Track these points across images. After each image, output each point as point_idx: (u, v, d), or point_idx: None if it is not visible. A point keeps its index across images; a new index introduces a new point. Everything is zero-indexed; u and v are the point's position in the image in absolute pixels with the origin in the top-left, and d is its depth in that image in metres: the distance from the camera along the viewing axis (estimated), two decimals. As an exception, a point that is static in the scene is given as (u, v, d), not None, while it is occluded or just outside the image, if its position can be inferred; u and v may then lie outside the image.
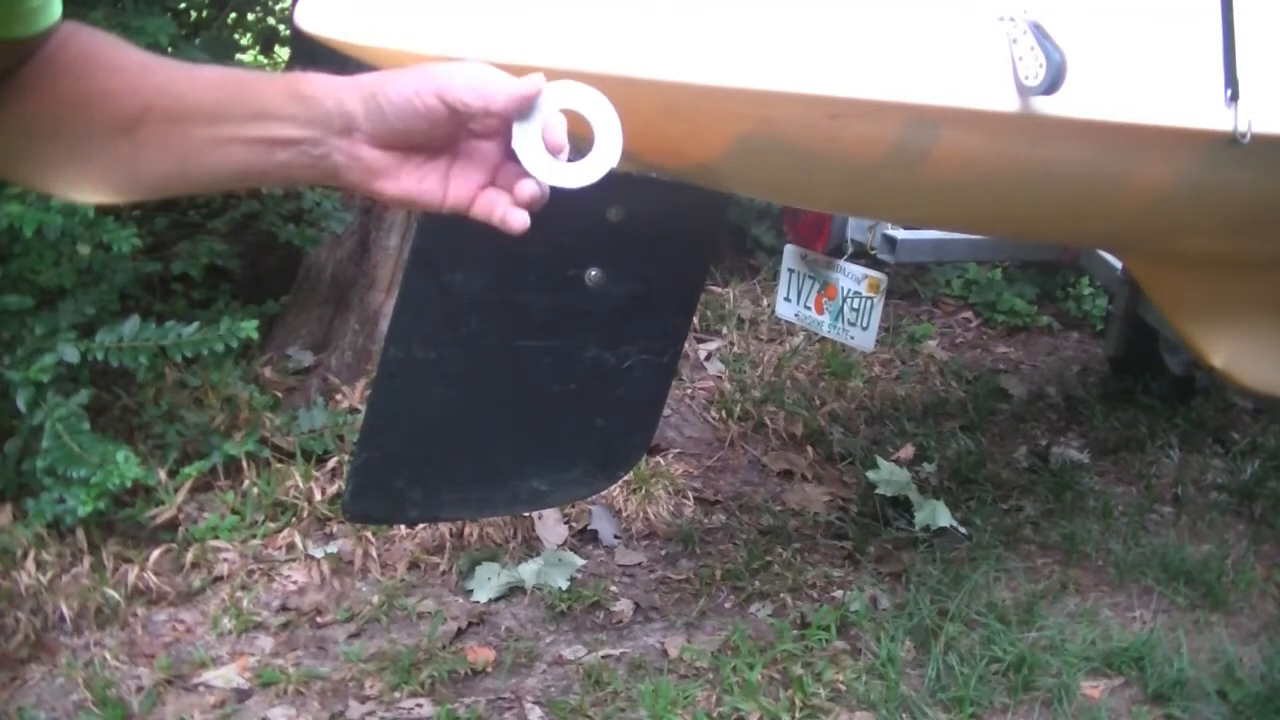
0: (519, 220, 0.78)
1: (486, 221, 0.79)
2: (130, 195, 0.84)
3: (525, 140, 0.77)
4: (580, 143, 0.79)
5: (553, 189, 0.78)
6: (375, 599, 2.54)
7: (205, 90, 0.79)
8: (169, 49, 2.75)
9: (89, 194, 0.87)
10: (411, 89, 0.75)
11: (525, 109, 0.76)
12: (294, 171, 0.78)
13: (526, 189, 0.77)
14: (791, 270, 2.75)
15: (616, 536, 2.85)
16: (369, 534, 2.69)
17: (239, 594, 2.51)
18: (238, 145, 0.77)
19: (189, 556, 2.57)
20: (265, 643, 2.41)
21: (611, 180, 0.79)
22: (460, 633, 2.46)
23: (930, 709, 2.22)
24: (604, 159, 0.78)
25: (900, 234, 2.90)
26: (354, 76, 0.77)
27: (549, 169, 0.77)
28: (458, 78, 0.75)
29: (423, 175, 0.78)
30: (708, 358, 3.77)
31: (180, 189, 0.85)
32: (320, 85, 0.77)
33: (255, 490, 2.75)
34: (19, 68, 0.79)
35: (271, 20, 4.24)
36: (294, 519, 2.74)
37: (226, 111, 0.77)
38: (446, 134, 0.77)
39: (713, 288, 4.15)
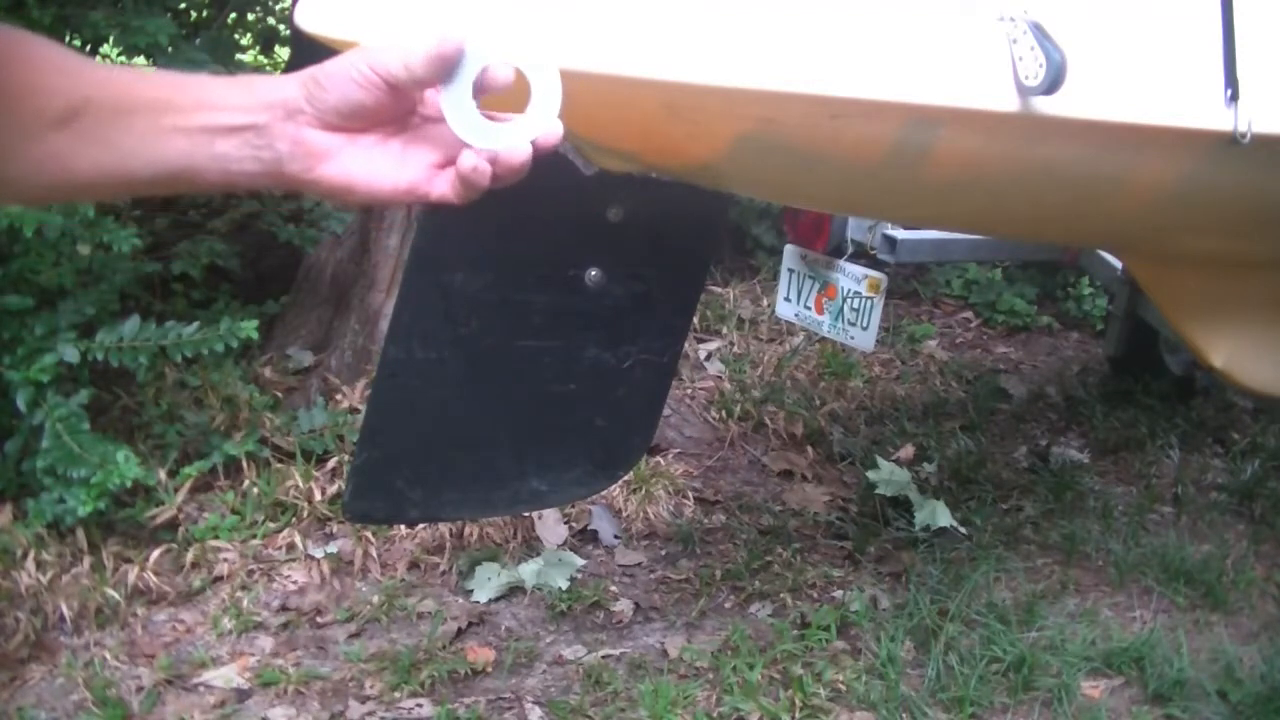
0: (474, 176, 0.75)
1: (451, 200, 0.77)
2: (61, 194, 0.82)
3: (451, 103, 0.74)
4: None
5: (564, 180, 0.76)
6: (375, 599, 2.54)
7: (149, 83, 0.78)
8: (169, 49, 2.75)
9: (17, 193, 0.85)
10: (348, 62, 0.75)
11: (449, 71, 0.73)
12: (233, 164, 0.77)
13: (465, 161, 0.75)
14: (791, 270, 2.75)
15: (616, 536, 2.85)
16: (369, 534, 2.69)
17: (239, 594, 2.51)
18: (179, 136, 0.76)
19: (189, 556, 2.57)
20: (265, 643, 2.41)
21: (607, 177, 0.78)
22: (460, 633, 2.46)
23: (930, 709, 2.22)
24: (540, 115, 0.74)
25: (900, 234, 2.91)
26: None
27: (480, 132, 0.74)
28: (389, 49, 0.75)
29: (370, 157, 0.77)
30: (708, 358, 3.77)
31: (116, 188, 0.83)
32: (264, 77, 0.77)
33: (255, 490, 2.75)
34: None
35: (271, 20, 4.24)
36: (294, 519, 2.74)
37: (170, 102, 0.77)
38: (390, 110, 0.77)
39: (713, 288, 4.15)
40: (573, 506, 2.84)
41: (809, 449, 3.29)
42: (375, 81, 0.74)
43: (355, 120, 0.76)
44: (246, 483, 2.77)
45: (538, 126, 0.74)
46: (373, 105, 0.75)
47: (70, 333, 2.49)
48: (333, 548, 2.67)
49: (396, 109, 0.77)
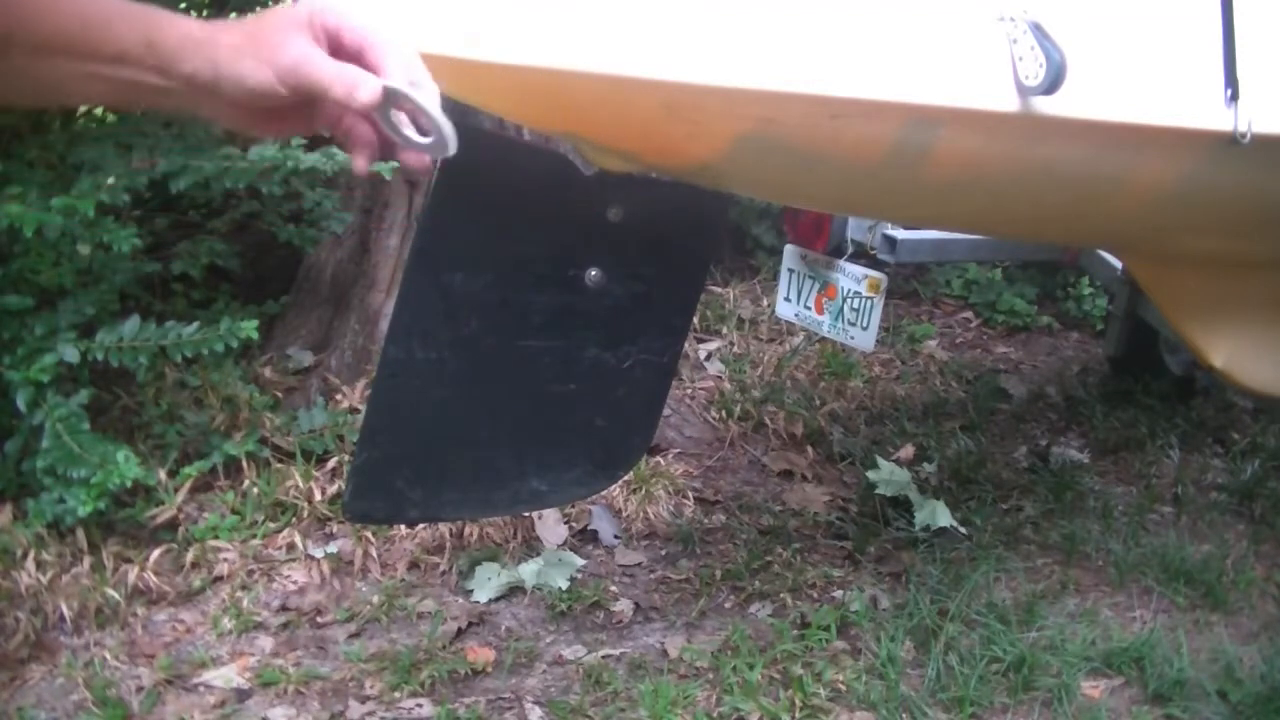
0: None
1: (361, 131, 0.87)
2: None
3: (379, 118, 0.88)
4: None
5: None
6: (375, 599, 2.54)
7: (69, 21, 0.79)
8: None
9: None
10: (263, 74, 0.79)
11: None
12: (162, 108, 0.85)
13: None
14: (791, 270, 2.75)
15: (616, 536, 2.85)
16: (369, 534, 2.69)
17: (239, 594, 2.51)
18: (102, 83, 0.80)
19: (189, 556, 2.57)
20: (265, 643, 2.41)
21: (607, 177, 0.78)
22: (460, 633, 2.46)
23: (930, 709, 2.22)
24: (437, 143, 0.89)
25: (900, 234, 2.91)
26: (213, 35, 0.80)
27: (399, 135, 0.89)
28: (322, 65, 0.80)
29: (283, 120, 0.86)
30: (708, 358, 3.77)
31: (46, 105, 0.90)
32: (175, 42, 0.79)
33: (255, 490, 2.75)
34: None
35: (271, 20, 4.23)
36: (294, 519, 2.74)
37: (91, 49, 0.79)
38: (299, 98, 0.82)
39: (713, 288, 4.15)
40: (573, 506, 2.84)
41: (809, 449, 3.29)
42: (284, 96, 0.80)
43: (264, 108, 0.82)
44: (246, 483, 2.76)
45: (437, 152, 0.90)
46: (279, 105, 0.81)
47: (70, 333, 2.48)
48: (333, 548, 2.67)
49: (305, 97, 0.82)
